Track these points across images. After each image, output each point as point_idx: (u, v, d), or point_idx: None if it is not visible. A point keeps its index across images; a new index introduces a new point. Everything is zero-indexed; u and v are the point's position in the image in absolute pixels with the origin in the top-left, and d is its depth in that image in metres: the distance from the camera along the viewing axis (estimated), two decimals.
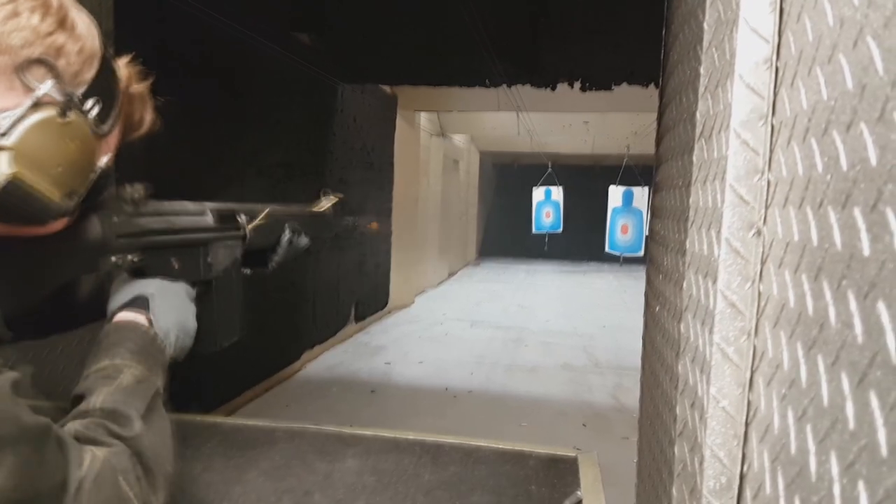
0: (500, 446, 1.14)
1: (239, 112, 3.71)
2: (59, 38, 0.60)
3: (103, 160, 0.67)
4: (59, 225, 0.65)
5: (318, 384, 4.57)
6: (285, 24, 3.97)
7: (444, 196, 9.78)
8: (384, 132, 6.62)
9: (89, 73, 0.63)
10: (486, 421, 3.91)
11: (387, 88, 6.55)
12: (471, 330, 6.61)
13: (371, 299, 6.45)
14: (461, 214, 11.58)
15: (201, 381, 3.27)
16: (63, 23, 0.61)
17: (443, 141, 9.44)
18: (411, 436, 1.18)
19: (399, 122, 6.98)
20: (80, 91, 0.62)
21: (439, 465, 1.06)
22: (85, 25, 0.64)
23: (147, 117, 0.77)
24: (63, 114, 0.60)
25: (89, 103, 0.63)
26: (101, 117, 0.65)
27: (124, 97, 0.71)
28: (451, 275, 10.86)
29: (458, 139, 10.64)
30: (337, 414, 3.89)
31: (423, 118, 8.19)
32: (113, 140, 0.70)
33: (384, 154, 6.60)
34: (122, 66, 0.72)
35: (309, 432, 1.19)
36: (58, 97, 0.59)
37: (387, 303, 7.01)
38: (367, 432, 1.19)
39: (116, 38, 1.53)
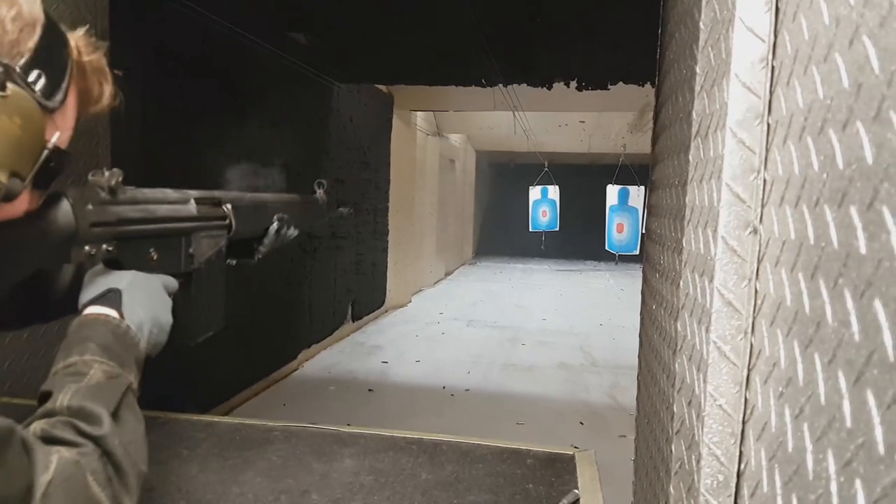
0: (498, 445, 1.14)
1: (236, 112, 3.70)
2: None
3: (56, 137, 0.61)
4: (16, 209, 0.61)
5: (315, 384, 4.57)
6: (282, 24, 3.96)
7: (440, 195, 9.78)
8: (380, 132, 6.62)
9: (30, 42, 0.58)
10: (484, 420, 3.91)
11: (383, 88, 6.55)
12: (467, 329, 6.61)
13: (368, 299, 6.45)
14: (457, 214, 11.58)
15: (198, 380, 3.26)
16: None
17: (439, 140, 9.44)
18: (408, 435, 1.18)
19: (395, 121, 6.98)
20: (21, 62, 0.57)
21: (436, 464, 1.06)
22: None
23: (106, 90, 0.71)
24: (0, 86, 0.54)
25: (33, 75, 0.58)
26: (49, 90, 0.60)
27: (77, 68, 0.65)
28: (447, 274, 10.86)
29: (455, 139, 10.65)
30: (334, 413, 3.88)
31: (420, 118, 8.19)
32: (68, 115, 0.65)
33: (380, 154, 6.60)
34: (74, 36, 0.67)
35: (306, 432, 1.19)
36: None
37: (383, 302, 7.01)
38: (365, 431, 1.19)
39: (114, 38, 1.52)
